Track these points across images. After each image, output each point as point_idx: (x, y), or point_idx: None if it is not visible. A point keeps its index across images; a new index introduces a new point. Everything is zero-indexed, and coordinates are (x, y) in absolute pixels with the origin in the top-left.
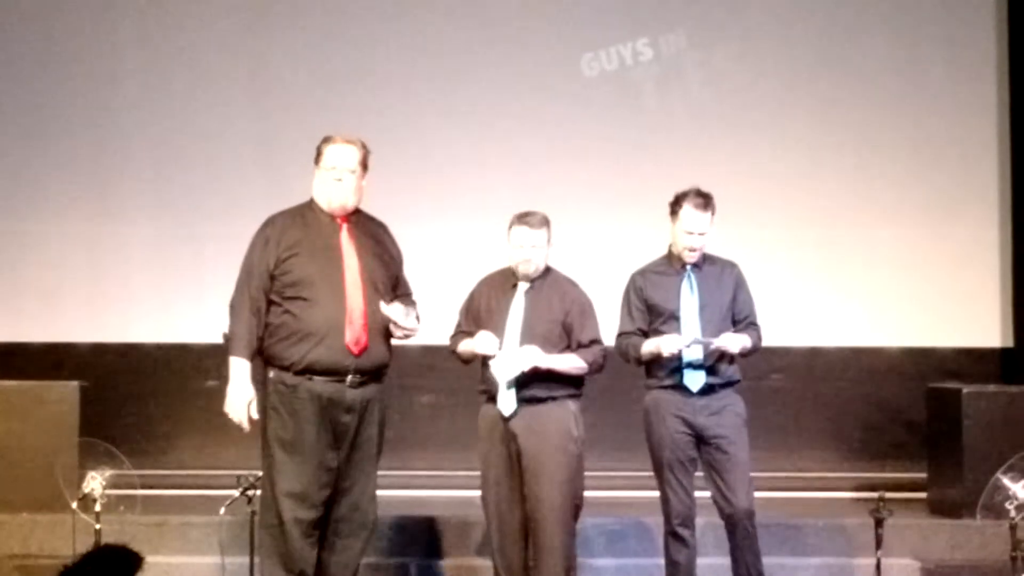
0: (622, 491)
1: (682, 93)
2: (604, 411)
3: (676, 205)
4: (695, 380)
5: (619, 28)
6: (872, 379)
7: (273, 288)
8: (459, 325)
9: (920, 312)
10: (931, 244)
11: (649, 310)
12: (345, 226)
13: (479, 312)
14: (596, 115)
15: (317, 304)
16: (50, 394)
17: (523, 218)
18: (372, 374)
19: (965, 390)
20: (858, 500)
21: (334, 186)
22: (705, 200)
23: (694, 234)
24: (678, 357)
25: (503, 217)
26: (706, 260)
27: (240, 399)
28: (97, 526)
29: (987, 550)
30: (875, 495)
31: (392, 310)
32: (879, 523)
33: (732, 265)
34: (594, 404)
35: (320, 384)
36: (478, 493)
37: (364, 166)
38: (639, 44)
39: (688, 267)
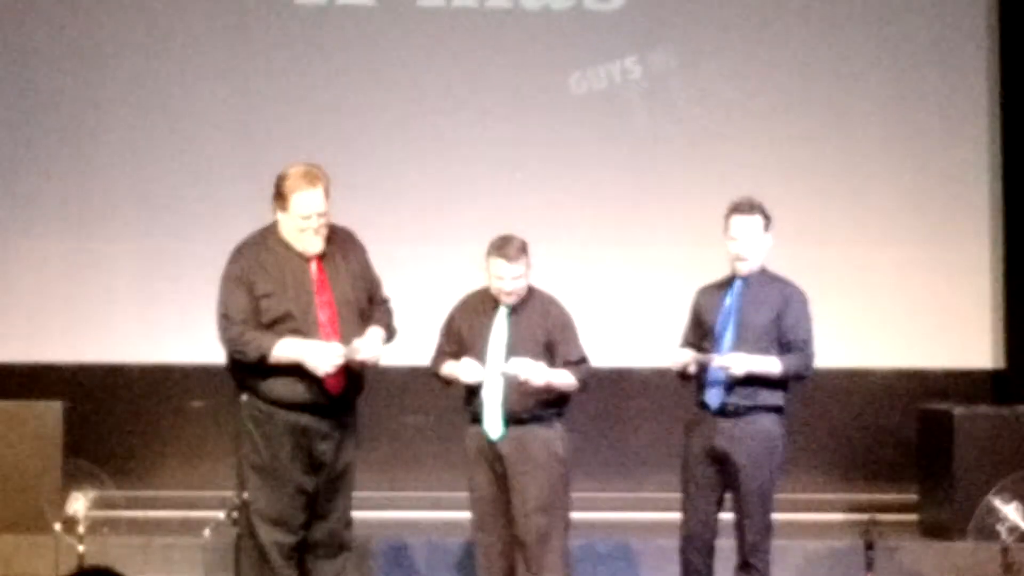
0: (616, 512)
1: (671, 111)
2: (596, 433)
3: (727, 217)
4: (714, 397)
5: (607, 47)
6: (863, 400)
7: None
8: (440, 347)
9: (911, 333)
10: (922, 265)
11: (699, 325)
12: (314, 259)
13: (460, 333)
14: (585, 133)
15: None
16: (33, 414)
17: (500, 249)
18: (349, 405)
19: (956, 411)
20: (849, 522)
21: (310, 236)
22: (751, 205)
23: (738, 240)
24: (702, 374)
25: (487, 237)
26: (763, 278)
27: (323, 353)
28: (80, 548)
29: (978, 572)
30: (866, 517)
31: (360, 355)
32: (870, 545)
33: (787, 285)
34: (587, 425)
35: (296, 416)
36: (464, 514)
37: (328, 197)
38: (627, 62)
39: (738, 283)
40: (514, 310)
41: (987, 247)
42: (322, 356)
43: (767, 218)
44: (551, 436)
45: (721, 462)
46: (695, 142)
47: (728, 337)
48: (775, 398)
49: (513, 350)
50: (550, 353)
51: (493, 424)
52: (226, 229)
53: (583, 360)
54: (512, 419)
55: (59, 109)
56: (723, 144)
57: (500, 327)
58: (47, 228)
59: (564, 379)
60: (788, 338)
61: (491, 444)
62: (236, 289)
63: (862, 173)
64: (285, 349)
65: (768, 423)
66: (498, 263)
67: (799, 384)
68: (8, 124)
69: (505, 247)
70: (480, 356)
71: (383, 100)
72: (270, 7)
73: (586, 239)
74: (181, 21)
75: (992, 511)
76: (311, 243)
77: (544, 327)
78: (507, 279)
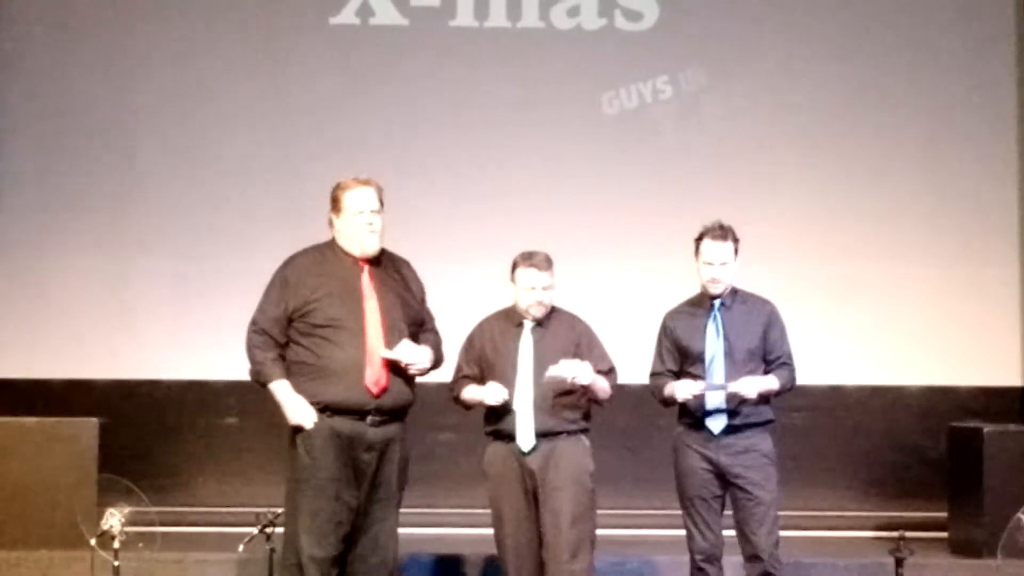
0: (642, 529)
1: (702, 130)
2: (623, 448)
3: (698, 241)
4: (716, 424)
5: (638, 66)
6: (893, 418)
7: (294, 328)
8: (459, 370)
9: (941, 351)
10: (952, 282)
11: (679, 351)
12: (367, 268)
13: (483, 355)
14: (616, 153)
15: (337, 345)
16: (69, 431)
17: (529, 259)
18: (393, 413)
19: (986, 429)
20: (878, 539)
21: (367, 231)
22: (724, 231)
23: (714, 265)
24: (701, 402)
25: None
26: (737, 298)
27: (302, 410)
28: (116, 563)
29: None
30: (896, 534)
31: (394, 352)
32: (899, 563)
33: (764, 303)
34: (613, 442)
35: (340, 422)
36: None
37: (382, 204)
38: (659, 82)
39: (715, 307)
40: (539, 326)
41: (1016, 266)
42: (301, 412)
43: (737, 242)
44: (580, 451)
45: (725, 478)
46: (726, 160)
47: (718, 362)
48: (768, 413)
49: (541, 365)
50: None
51: (525, 437)
52: (261, 248)
53: (612, 370)
54: (542, 433)
55: (98, 130)
56: (754, 162)
57: (526, 345)
58: (84, 246)
59: (602, 384)
60: (775, 355)
61: (521, 459)
62: (274, 296)
63: (891, 192)
64: (278, 391)
65: (764, 436)
66: (529, 272)
67: (818, 399)
68: (48, 145)
69: (534, 257)
70: (506, 375)
71: (415, 119)
72: (306, 27)
73: (616, 256)
74: (218, 42)
75: (1022, 528)
76: (368, 240)
77: (571, 340)
78: (538, 288)
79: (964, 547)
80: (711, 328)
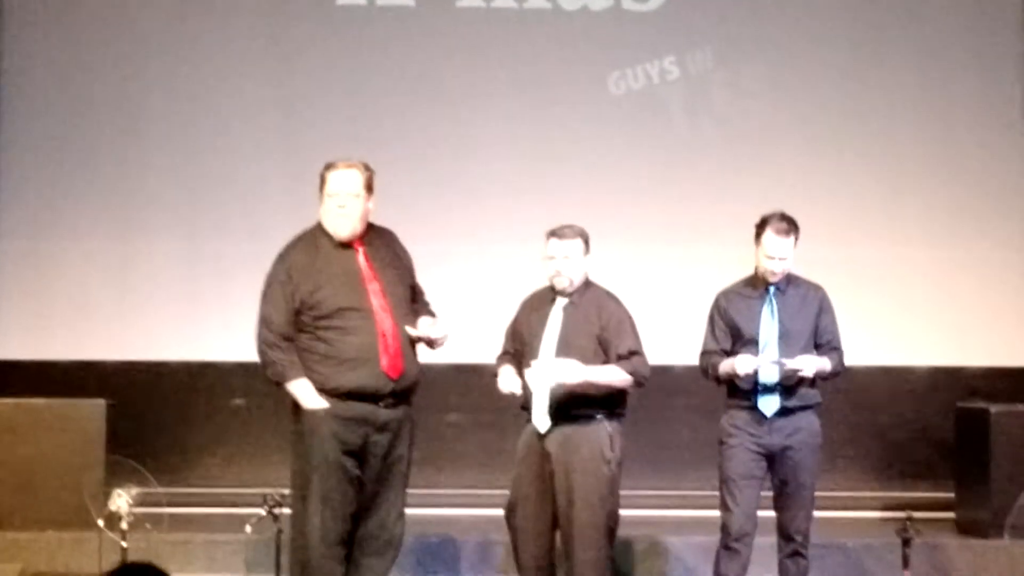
0: (654, 510)
1: (709, 111)
2: (634, 430)
3: (760, 228)
4: (769, 405)
5: (646, 47)
6: (900, 398)
7: (301, 321)
8: (503, 347)
9: (948, 331)
10: (959, 263)
11: (731, 332)
12: (361, 250)
13: (521, 332)
14: (623, 133)
15: (350, 332)
16: (77, 412)
17: (554, 231)
18: (406, 394)
19: (993, 410)
20: (885, 520)
21: (338, 214)
22: (788, 225)
23: (775, 259)
24: (754, 379)
25: (530, 236)
26: (790, 283)
27: (319, 403)
28: (123, 544)
29: (1015, 570)
30: (902, 515)
31: (421, 331)
32: (906, 543)
33: (817, 288)
34: (626, 423)
35: (352, 405)
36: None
37: (369, 189)
38: (666, 63)
39: (771, 290)
40: (571, 303)
41: (1023, 245)
42: (316, 403)
43: (798, 232)
44: (600, 436)
45: (772, 459)
46: (732, 142)
47: (772, 346)
48: (817, 396)
49: (565, 343)
50: (603, 347)
51: (541, 419)
52: (267, 229)
53: (633, 353)
54: (559, 416)
55: (104, 111)
56: (760, 144)
57: (555, 320)
58: (91, 228)
59: (608, 375)
60: (825, 339)
61: (540, 441)
62: (278, 295)
63: (899, 173)
64: (295, 388)
65: (813, 418)
66: (551, 242)
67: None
68: (53, 126)
69: (560, 228)
70: (534, 352)
71: (421, 99)
72: (312, 8)
73: (623, 238)
74: (225, 25)
75: None
76: (337, 223)
77: (599, 321)
78: (558, 258)
79: (971, 527)
80: (766, 312)
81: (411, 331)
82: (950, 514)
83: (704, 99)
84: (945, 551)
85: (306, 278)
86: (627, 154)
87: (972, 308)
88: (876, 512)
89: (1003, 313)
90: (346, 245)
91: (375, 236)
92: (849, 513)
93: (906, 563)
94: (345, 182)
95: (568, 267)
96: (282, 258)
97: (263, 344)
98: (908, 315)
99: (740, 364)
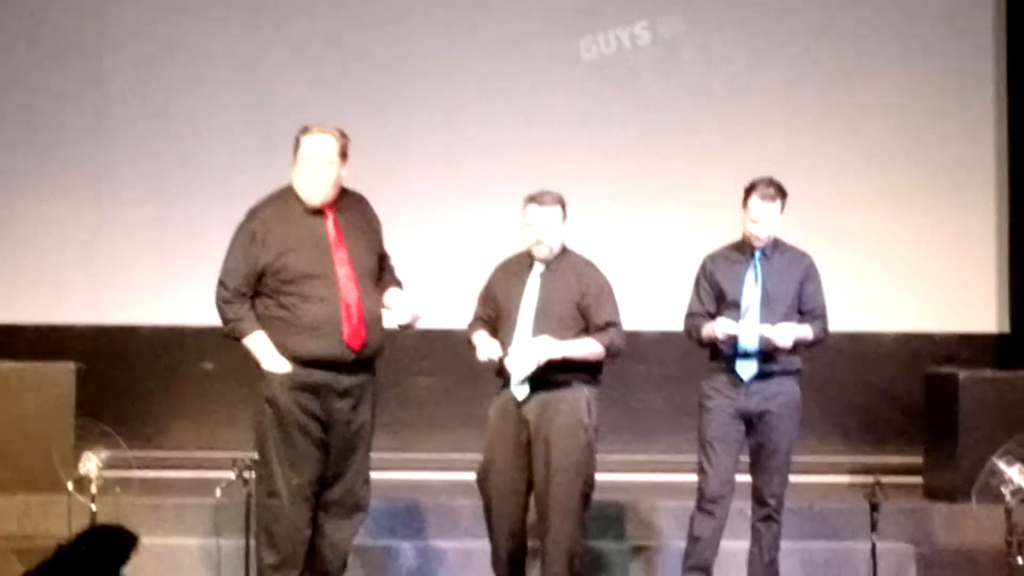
0: (625, 474)
1: (681, 76)
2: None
3: (747, 194)
4: (747, 369)
5: (617, 11)
6: (868, 364)
7: (264, 283)
8: (476, 311)
9: (917, 297)
10: (928, 229)
11: (716, 294)
12: (331, 216)
13: (496, 297)
14: (594, 98)
15: (313, 300)
16: (47, 375)
17: (534, 197)
18: (369, 362)
19: (962, 375)
20: (853, 484)
21: (311, 180)
22: (774, 191)
23: (759, 223)
24: (734, 343)
25: (501, 201)
26: (777, 248)
27: (278, 360)
28: (93, 507)
29: (982, 534)
30: (871, 479)
31: (395, 319)
32: (874, 507)
33: (803, 255)
34: (606, 389)
35: (314, 372)
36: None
37: (343, 156)
38: (637, 28)
39: (756, 255)
40: (548, 270)
41: (993, 212)
42: (276, 362)
43: (785, 197)
44: (577, 402)
45: (750, 423)
46: (704, 107)
47: (754, 310)
48: (798, 362)
49: (543, 310)
50: (582, 315)
51: (519, 386)
52: (240, 192)
53: (610, 324)
54: (539, 383)
55: (73, 72)
56: (732, 109)
57: (532, 287)
58: (62, 191)
59: (583, 348)
60: (809, 306)
61: (517, 408)
62: (240, 254)
63: (869, 139)
64: (254, 343)
65: (793, 384)
66: (531, 208)
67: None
68: (23, 87)
69: (539, 195)
70: (511, 319)
71: (393, 63)
72: None
73: (594, 202)
74: None
75: (996, 473)
76: (309, 188)
77: (578, 288)
78: (538, 225)
79: (939, 492)
80: (750, 276)
81: (387, 321)
82: (918, 479)
83: (676, 63)
84: (913, 515)
85: (272, 241)
86: (599, 119)
87: (941, 274)
88: (845, 476)
89: (972, 279)
90: (316, 210)
91: (346, 202)
92: (818, 477)
93: (874, 527)
94: (319, 148)
95: (549, 234)
96: (251, 216)
97: (220, 300)
98: (877, 281)
99: (719, 327)
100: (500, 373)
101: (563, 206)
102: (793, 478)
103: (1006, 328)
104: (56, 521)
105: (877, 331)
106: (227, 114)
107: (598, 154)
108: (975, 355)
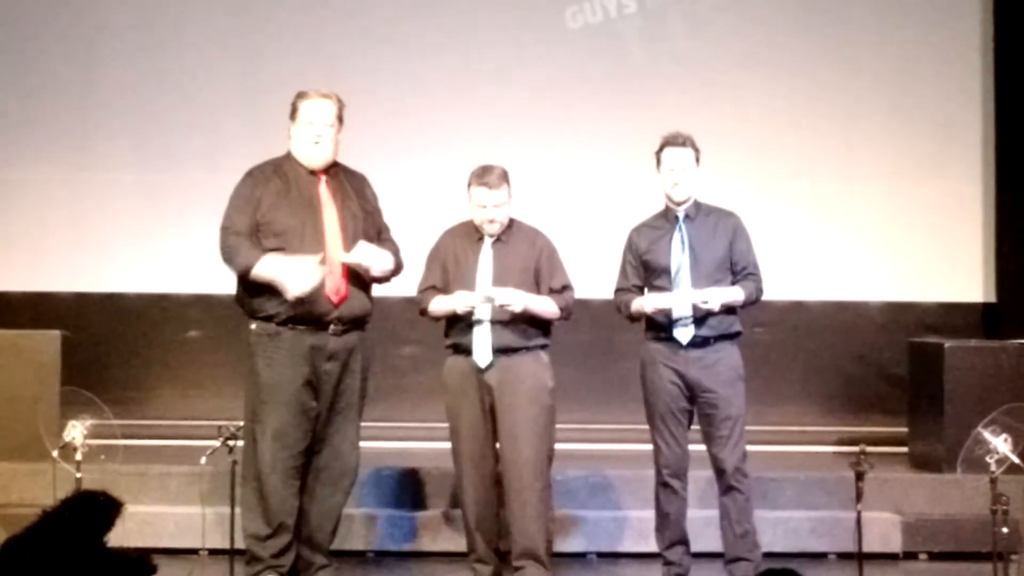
0: (605, 444)
1: (667, 45)
2: (587, 365)
3: (659, 152)
4: (684, 334)
5: None
6: (854, 333)
7: (256, 239)
8: (425, 280)
9: (902, 267)
10: (914, 198)
11: (644, 266)
12: (324, 178)
13: (446, 265)
14: (580, 67)
15: (297, 254)
16: (32, 343)
17: (481, 178)
18: (354, 323)
19: (947, 345)
20: (839, 454)
21: (313, 143)
22: (683, 139)
23: (675, 171)
24: (668, 314)
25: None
26: (701, 210)
27: (302, 271)
28: (78, 475)
29: (967, 504)
30: (856, 449)
31: (355, 255)
32: (860, 477)
33: (729, 215)
34: (576, 358)
35: (302, 332)
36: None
37: (340, 120)
38: None
39: (680, 220)
40: (499, 240)
41: (979, 181)
42: (299, 273)
43: (697, 151)
44: (539, 366)
45: (693, 392)
46: (689, 76)
47: (685, 273)
48: (736, 325)
49: (500, 279)
50: (536, 282)
51: (482, 353)
52: (225, 160)
53: (566, 288)
54: (500, 349)
55: (57, 40)
56: (717, 78)
57: (485, 258)
58: (46, 158)
59: (544, 305)
60: (741, 265)
61: (479, 374)
62: (242, 205)
63: (855, 108)
64: (266, 266)
65: (733, 349)
66: (480, 191)
67: (786, 314)
68: (6, 55)
69: (486, 175)
70: (466, 287)
71: (378, 32)
72: None
73: (577, 172)
74: None
75: (981, 443)
76: (313, 151)
77: (531, 255)
78: (489, 207)
79: (924, 462)
80: (676, 240)
81: (343, 256)
82: (903, 448)
83: (662, 32)
84: (898, 485)
85: (265, 196)
86: (583, 87)
87: (927, 243)
88: (830, 446)
89: (957, 249)
90: (311, 173)
91: (344, 173)
92: (803, 447)
93: (859, 497)
94: (319, 112)
95: (500, 214)
96: (249, 174)
97: (225, 245)
98: (862, 250)
99: (648, 302)
100: (455, 346)
101: (508, 181)
102: (778, 448)
103: (992, 298)
104: (41, 489)
105: (862, 300)
106: (213, 82)
107: (582, 122)
108: (960, 325)
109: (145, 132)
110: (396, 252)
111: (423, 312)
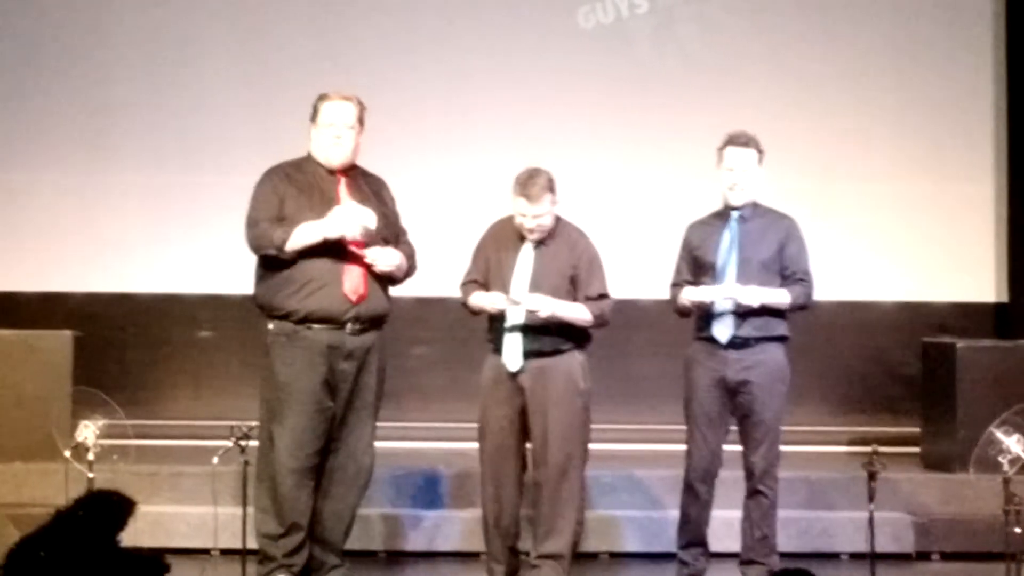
0: (621, 444)
1: (677, 45)
2: (601, 364)
3: (720, 150)
4: (723, 332)
5: None
6: (866, 333)
7: None
8: (469, 273)
9: (915, 266)
10: (927, 198)
11: (694, 262)
12: (343, 179)
13: (487, 263)
14: (592, 67)
15: (314, 253)
16: (44, 343)
17: (524, 188)
18: (371, 322)
19: (959, 345)
20: (851, 454)
21: (333, 144)
22: (746, 139)
23: (735, 171)
24: (707, 308)
25: (497, 170)
26: (757, 211)
27: (339, 227)
28: (90, 475)
29: (980, 504)
30: (868, 449)
31: (366, 253)
32: (872, 477)
33: (783, 217)
34: (599, 358)
35: (320, 331)
36: (471, 444)
37: (361, 122)
38: None
39: (734, 216)
40: (541, 242)
41: (991, 181)
42: (347, 217)
43: (761, 151)
44: (572, 368)
45: (732, 393)
46: (701, 76)
47: (731, 271)
48: (781, 328)
49: (537, 283)
50: (575, 287)
51: (512, 357)
52: (236, 162)
53: (603, 296)
54: (532, 352)
55: (70, 41)
56: (729, 78)
57: (526, 259)
58: (59, 159)
59: (575, 312)
60: (791, 269)
61: (512, 376)
62: (266, 200)
63: (867, 107)
64: (304, 231)
65: (777, 352)
66: (520, 203)
67: (799, 314)
68: (19, 56)
69: (528, 187)
70: (504, 288)
71: (389, 33)
72: None
73: (591, 172)
74: None
75: (994, 443)
76: (332, 152)
77: (570, 260)
78: (528, 217)
79: (936, 462)
80: (725, 238)
81: (355, 250)
82: (916, 449)
83: (673, 32)
84: (911, 485)
85: (285, 192)
86: (595, 87)
87: (940, 243)
88: (842, 447)
89: (970, 248)
90: (330, 174)
91: (364, 176)
92: (815, 447)
93: (871, 497)
94: (341, 113)
95: (542, 223)
96: (269, 173)
97: (254, 234)
98: (875, 250)
99: (686, 294)
100: (491, 333)
101: (553, 189)
102: (790, 448)
103: (1004, 297)
104: (53, 489)
105: (875, 300)
106: (225, 83)
107: (594, 122)
108: (973, 324)
109: (157, 134)
110: (411, 255)
111: (464, 304)
